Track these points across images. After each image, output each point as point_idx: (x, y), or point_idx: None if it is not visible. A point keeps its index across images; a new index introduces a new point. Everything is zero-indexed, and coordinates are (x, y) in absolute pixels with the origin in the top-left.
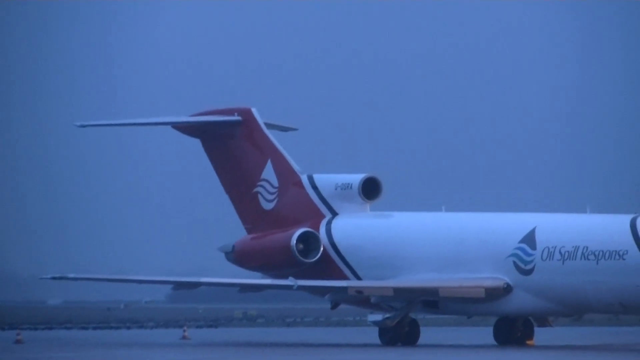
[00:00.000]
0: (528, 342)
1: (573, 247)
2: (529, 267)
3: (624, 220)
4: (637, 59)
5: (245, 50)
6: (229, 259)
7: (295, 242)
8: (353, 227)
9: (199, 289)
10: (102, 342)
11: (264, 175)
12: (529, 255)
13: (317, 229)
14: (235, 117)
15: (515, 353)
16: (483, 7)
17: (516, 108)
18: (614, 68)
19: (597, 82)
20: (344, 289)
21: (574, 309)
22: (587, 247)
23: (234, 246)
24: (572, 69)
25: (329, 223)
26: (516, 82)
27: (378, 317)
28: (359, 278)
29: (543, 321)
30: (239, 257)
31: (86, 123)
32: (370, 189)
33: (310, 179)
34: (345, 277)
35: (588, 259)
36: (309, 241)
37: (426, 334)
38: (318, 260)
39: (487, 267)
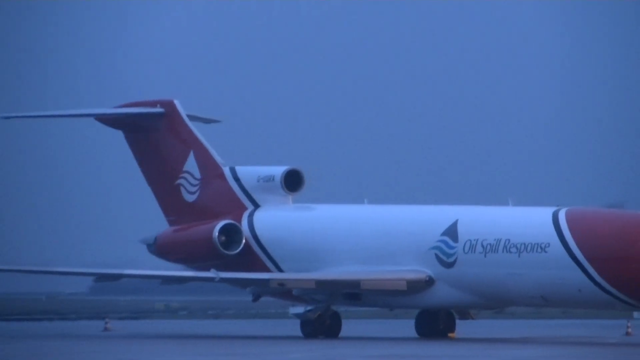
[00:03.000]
0: (450, 334)
1: (495, 239)
2: (451, 259)
3: (546, 212)
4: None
5: (168, 42)
6: (151, 251)
7: (217, 234)
8: (275, 220)
9: (121, 281)
10: (25, 334)
11: (186, 167)
12: (451, 247)
13: (240, 221)
14: (158, 109)
15: (437, 345)
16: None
17: (437, 101)
18: (547, 61)
19: (520, 76)
20: (266, 281)
21: (496, 302)
22: (509, 240)
23: (156, 238)
24: (506, 64)
25: (251, 215)
26: (439, 75)
27: (300, 309)
28: (281, 270)
29: (465, 314)
30: (161, 249)
31: (10, 115)
32: (292, 181)
33: (233, 171)
34: (267, 270)
35: (510, 252)
36: (231, 233)
37: (348, 327)
38: (240, 253)
39: (409, 259)
